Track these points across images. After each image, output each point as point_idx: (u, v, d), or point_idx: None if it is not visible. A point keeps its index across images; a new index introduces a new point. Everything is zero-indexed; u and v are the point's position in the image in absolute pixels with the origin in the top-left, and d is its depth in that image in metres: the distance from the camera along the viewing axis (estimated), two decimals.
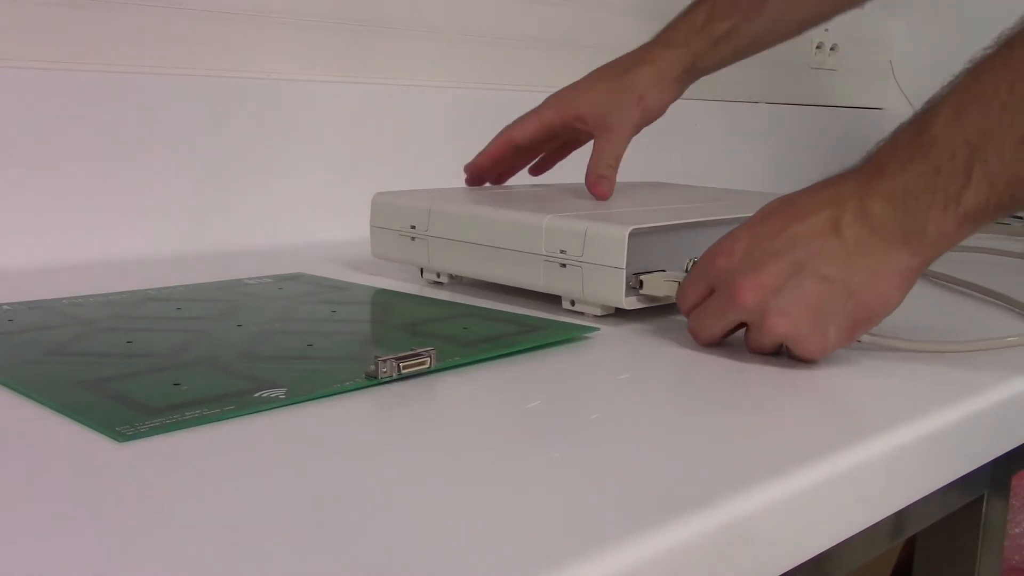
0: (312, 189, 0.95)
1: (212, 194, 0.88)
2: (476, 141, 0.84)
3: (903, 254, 0.53)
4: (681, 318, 0.65)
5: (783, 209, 0.56)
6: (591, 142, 0.81)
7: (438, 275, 0.74)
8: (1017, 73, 0.50)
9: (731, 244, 0.56)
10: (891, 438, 0.45)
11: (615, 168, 0.79)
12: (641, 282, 0.62)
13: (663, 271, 0.63)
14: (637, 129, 0.81)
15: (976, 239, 1.09)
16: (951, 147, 0.51)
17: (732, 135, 1.44)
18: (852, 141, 1.68)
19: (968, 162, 0.50)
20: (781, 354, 0.56)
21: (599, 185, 0.77)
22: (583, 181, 0.79)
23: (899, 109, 1.68)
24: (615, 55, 0.84)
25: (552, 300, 0.67)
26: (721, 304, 0.56)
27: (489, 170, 0.85)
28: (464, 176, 0.85)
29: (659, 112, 0.82)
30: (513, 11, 1.14)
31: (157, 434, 0.41)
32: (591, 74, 0.83)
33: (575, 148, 0.86)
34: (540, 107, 0.82)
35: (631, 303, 0.63)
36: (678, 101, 0.83)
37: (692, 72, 0.82)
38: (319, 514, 0.34)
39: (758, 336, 0.55)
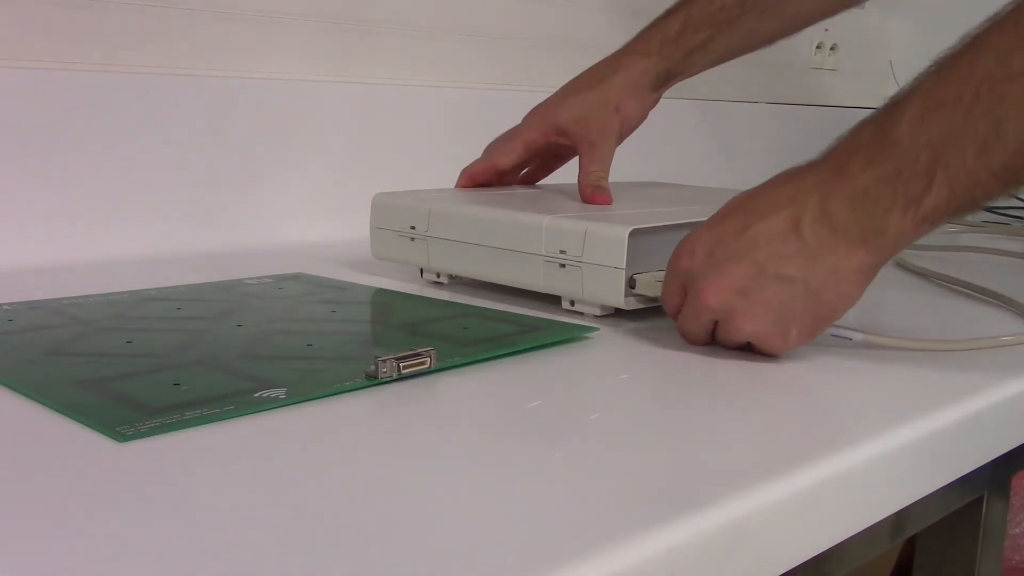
0: (312, 189, 0.95)
1: (212, 194, 0.88)
2: (476, 141, 0.84)
3: (862, 254, 0.53)
4: None
5: (742, 207, 0.57)
6: (575, 156, 0.81)
7: (438, 275, 0.74)
8: (983, 78, 0.50)
9: (692, 245, 0.57)
10: (891, 438, 0.45)
11: (606, 178, 0.79)
12: (634, 281, 0.62)
13: (660, 271, 0.63)
14: (620, 139, 0.81)
15: (976, 239, 1.09)
16: (914, 150, 0.51)
17: (732, 135, 1.44)
18: None
19: (930, 166, 0.51)
20: (747, 348, 0.57)
21: (597, 196, 0.77)
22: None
23: None
24: None
25: (552, 300, 0.67)
26: (692, 306, 0.57)
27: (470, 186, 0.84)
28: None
29: (638, 121, 0.82)
30: (513, 11, 1.14)
31: (157, 434, 0.41)
32: (565, 87, 0.82)
33: (562, 163, 0.86)
34: (520, 127, 0.82)
35: (631, 303, 0.63)
36: (679, 101, 0.84)
37: (667, 80, 0.82)
38: (319, 514, 0.34)
39: (725, 334, 0.56)
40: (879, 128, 0.53)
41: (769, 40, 0.86)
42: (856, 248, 0.53)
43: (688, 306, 0.57)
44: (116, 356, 0.52)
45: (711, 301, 0.55)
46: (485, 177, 0.83)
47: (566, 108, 0.80)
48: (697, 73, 0.84)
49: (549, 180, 0.89)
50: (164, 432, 0.41)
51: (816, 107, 1.59)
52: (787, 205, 0.54)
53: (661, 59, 0.81)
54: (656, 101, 0.83)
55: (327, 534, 0.32)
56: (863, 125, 0.54)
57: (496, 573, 0.30)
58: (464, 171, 0.83)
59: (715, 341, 0.58)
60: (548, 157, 0.85)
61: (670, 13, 0.83)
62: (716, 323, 0.57)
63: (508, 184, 0.85)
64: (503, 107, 0.88)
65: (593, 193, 0.77)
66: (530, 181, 0.88)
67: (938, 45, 0.54)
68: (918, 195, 0.51)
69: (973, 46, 0.51)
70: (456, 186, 0.83)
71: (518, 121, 0.83)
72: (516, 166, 0.83)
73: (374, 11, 1.01)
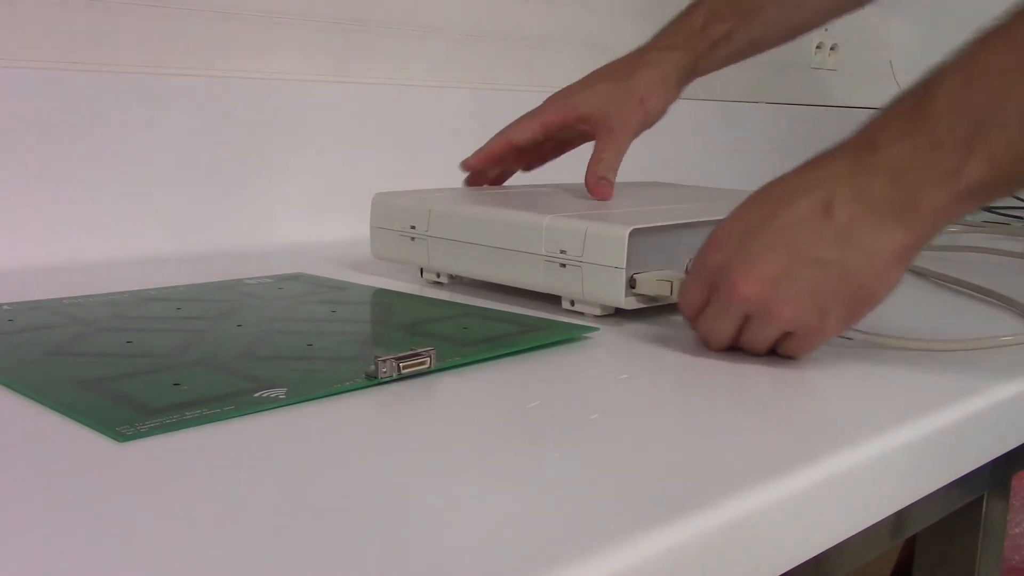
0: (312, 189, 0.95)
1: (212, 194, 0.88)
2: (476, 142, 0.84)
3: (898, 232, 0.51)
4: (679, 317, 0.65)
5: (770, 194, 0.55)
6: (586, 143, 0.81)
7: (438, 275, 0.74)
8: None
9: (720, 237, 0.55)
10: (891, 438, 0.45)
11: (615, 170, 0.79)
12: (635, 281, 0.62)
13: (660, 271, 0.63)
14: (638, 132, 0.81)
15: (976, 239, 1.09)
16: (952, 120, 0.49)
17: (732, 135, 1.44)
18: None
19: (969, 137, 0.49)
20: (773, 354, 0.56)
21: (599, 187, 0.77)
22: (583, 181, 0.79)
23: None
24: (615, 55, 0.83)
25: (552, 300, 0.67)
26: (723, 301, 0.54)
27: (487, 171, 0.84)
28: (462, 174, 0.85)
29: (660, 114, 0.82)
30: (514, 11, 1.14)
31: (157, 434, 0.41)
32: (591, 75, 0.82)
33: (571, 148, 0.86)
34: (541, 108, 0.82)
35: (631, 303, 0.63)
36: (678, 101, 0.83)
37: (691, 74, 0.82)
38: (319, 514, 0.34)
39: (760, 328, 0.54)
40: (915, 100, 0.51)
41: (791, 33, 0.86)
42: (891, 226, 0.51)
43: (718, 302, 0.55)
44: (116, 356, 0.52)
45: (746, 291, 0.53)
46: (500, 152, 0.82)
47: (591, 94, 0.80)
48: (719, 68, 0.84)
49: (550, 180, 0.89)
50: (164, 432, 0.41)
51: (816, 107, 1.59)
52: (817, 187, 0.53)
53: (687, 52, 0.81)
54: (678, 95, 0.83)
55: (327, 534, 0.32)
56: (898, 99, 0.52)
57: (496, 573, 0.30)
58: (479, 150, 0.82)
59: (737, 345, 0.56)
60: (560, 141, 0.84)
61: (692, 8, 0.82)
62: (744, 321, 0.55)
63: (523, 162, 0.84)
64: (503, 107, 0.88)
65: (597, 183, 0.76)
66: (538, 161, 0.87)
67: (938, 45, 0.53)
68: (955, 168, 0.49)
69: (1017, 17, 0.49)
70: (470, 162, 0.83)
71: (512, 120, 0.83)
72: (531, 144, 0.82)
73: (374, 11, 1.01)
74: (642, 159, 1.12)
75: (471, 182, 0.85)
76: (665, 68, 0.80)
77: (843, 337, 0.57)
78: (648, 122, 0.81)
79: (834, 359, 0.56)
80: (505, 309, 0.66)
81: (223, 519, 0.33)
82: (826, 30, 1.59)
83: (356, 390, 0.48)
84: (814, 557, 0.41)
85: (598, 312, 0.65)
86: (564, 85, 0.83)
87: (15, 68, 0.77)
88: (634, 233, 0.61)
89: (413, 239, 0.73)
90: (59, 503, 0.34)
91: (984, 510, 0.70)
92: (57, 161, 0.79)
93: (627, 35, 0.85)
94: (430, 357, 0.50)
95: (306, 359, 0.52)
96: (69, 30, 0.81)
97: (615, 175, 0.78)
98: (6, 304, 0.63)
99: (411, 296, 0.70)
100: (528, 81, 1.14)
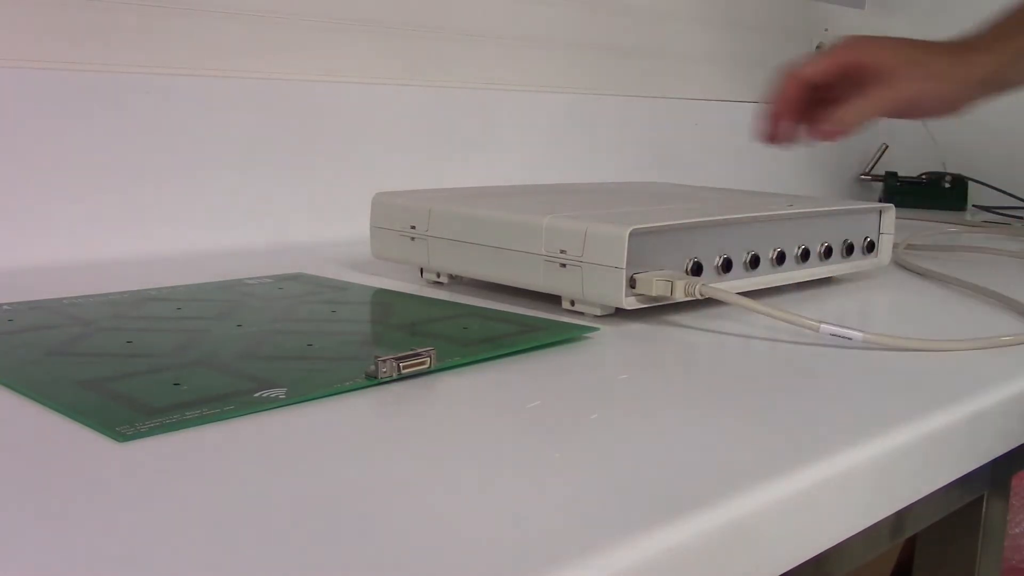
0: (312, 189, 0.95)
1: (212, 194, 0.88)
2: (473, 141, 0.84)
3: None
4: (679, 317, 0.65)
5: None
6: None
7: (438, 275, 0.74)
8: None
9: None
10: (891, 438, 0.45)
11: (856, 124, 0.74)
12: (635, 281, 0.62)
13: (660, 271, 0.63)
14: (900, 105, 0.76)
15: (976, 239, 1.09)
16: None
17: (732, 135, 1.44)
18: (852, 141, 1.68)
19: None
20: None
21: (826, 127, 0.72)
22: (582, 181, 0.78)
23: None
24: (644, 59, 0.82)
25: (552, 300, 0.67)
26: None
27: (787, 113, 0.79)
28: (463, 174, 0.84)
29: (935, 109, 0.77)
30: (517, 11, 1.14)
31: (157, 434, 0.41)
32: (897, 38, 0.78)
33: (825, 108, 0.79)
34: (834, 47, 0.77)
35: (631, 303, 0.63)
36: (679, 101, 0.82)
37: (998, 83, 0.78)
38: (319, 514, 0.34)
39: None
40: None
41: None
42: None
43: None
44: (116, 356, 0.52)
45: None
46: (795, 92, 0.77)
47: (890, 48, 0.76)
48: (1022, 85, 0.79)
49: (552, 180, 0.89)
50: (164, 432, 0.41)
51: None
52: None
53: (994, 57, 0.77)
54: (964, 103, 0.78)
55: (327, 534, 0.32)
56: None
57: (496, 573, 0.30)
58: (772, 98, 0.78)
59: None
60: (833, 96, 0.79)
61: (1008, 16, 0.79)
62: None
63: (810, 113, 0.79)
64: (504, 107, 0.88)
65: (827, 123, 0.73)
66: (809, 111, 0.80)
67: None
68: None
69: None
70: (774, 110, 0.79)
71: (510, 120, 0.83)
72: (821, 79, 0.77)
73: (375, 11, 1.01)
74: (643, 159, 1.12)
75: (771, 138, 0.79)
76: (969, 68, 0.76)
77: (843, 337, 0.57)
78: (916, 107, 0.77)
79: (834, 359, 0.56)
80: (505, 309, 0.66)
81: (223, 519, 0.33)
82: (826, 30, 1.59)
83: (356, 390, 0.48)
84: (814, 557, 0.41)
85: (598, 312, 0.65)
86: (578, 88, 0.82)
87: (15, 68, 0.77)
88: (634, 233, 0.61)
89: (413, 239, 0.73)
90: (59, 503, 0.34)
91: (984, 510, 0.70)
92: (57, 161, 0.79)
93: (683, 42, 0.85)
94: (430, 357, 0.50)
95: (306, 359, 0.52)
96: (69, 30, 0.81)
97: (852, 128, 0.74)
98: (6, 304, 0.63)
99: (411, 296, 0.70)
100: (532, 82, 1.14)
